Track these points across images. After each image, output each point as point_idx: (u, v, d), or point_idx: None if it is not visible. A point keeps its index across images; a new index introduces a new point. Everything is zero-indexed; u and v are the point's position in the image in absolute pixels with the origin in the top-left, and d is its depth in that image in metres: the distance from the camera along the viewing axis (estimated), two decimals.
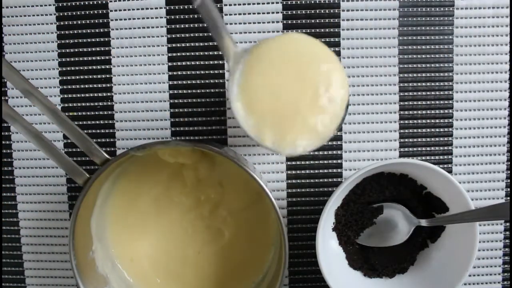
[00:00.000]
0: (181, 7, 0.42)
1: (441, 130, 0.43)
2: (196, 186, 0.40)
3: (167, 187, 0.40)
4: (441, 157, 0.43)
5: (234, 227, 0.41)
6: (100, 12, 0.42)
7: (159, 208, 0.40)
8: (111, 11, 0.42)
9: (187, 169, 0.40)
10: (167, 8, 0.42)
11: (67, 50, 0.43)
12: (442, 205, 0.38)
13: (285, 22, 0.42)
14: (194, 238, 0.41)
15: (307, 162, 0.43)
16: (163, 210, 0.40)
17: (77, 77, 0.43)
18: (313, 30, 0.42)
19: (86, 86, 0.43)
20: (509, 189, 0.43)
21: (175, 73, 0.43)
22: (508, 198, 0.43)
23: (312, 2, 0.42)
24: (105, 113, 0.43)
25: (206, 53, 0.42)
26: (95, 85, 0.43)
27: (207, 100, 0.43)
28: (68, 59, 0.43)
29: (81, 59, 0.43)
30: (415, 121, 0.43)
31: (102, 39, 0.42)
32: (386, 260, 0.40)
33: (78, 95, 0.43)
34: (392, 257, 0.40)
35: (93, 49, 0.43)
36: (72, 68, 0.43)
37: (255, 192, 0.40)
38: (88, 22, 0.42)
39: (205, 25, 0.41)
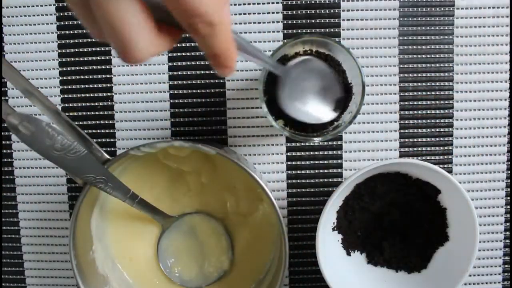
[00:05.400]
0: None
1: (441, 130, 0.43)
2: (200, 190, 0.40)
3: (169, 187, 0.40)
4: (441, 157, 0.43)
5: (235, 228, 0.41)
6: None
7: (160, 208, 0.40)
8: None
9: (190, 174, 0.40)
10: None
11: (67, 50, 0.43)
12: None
13: (285, 22, 0.42)
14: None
15: (307, 162, 0.43)
16: (163, 210, 0.40)
17: (77, 77, 0.43)
18: (313, 30, 0.42)
19: (86, 86, 0.43)
20: (509, 189, 0.43)
21: (175, 73, 0.43)
22: (508, 198, 0.43)
23: (312, 2, 0.42)
24: (105, 113, 0.43)
25: None
26: (95, 85, 0.43)
27: (207, 100, 0.43)
28: (68, 59, 0.43)
29: (81, 59, 0.43)
30: (415, 121, 0.43)
31: None
32: (386, 260, 0.40)
33: (78, 95, 0.43)
34: (392, 257, 0.40)
35: (93, 49, 0.43)
36: (72, 68, 0.43)
37: (257, 194, 0.40)
38: None
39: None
